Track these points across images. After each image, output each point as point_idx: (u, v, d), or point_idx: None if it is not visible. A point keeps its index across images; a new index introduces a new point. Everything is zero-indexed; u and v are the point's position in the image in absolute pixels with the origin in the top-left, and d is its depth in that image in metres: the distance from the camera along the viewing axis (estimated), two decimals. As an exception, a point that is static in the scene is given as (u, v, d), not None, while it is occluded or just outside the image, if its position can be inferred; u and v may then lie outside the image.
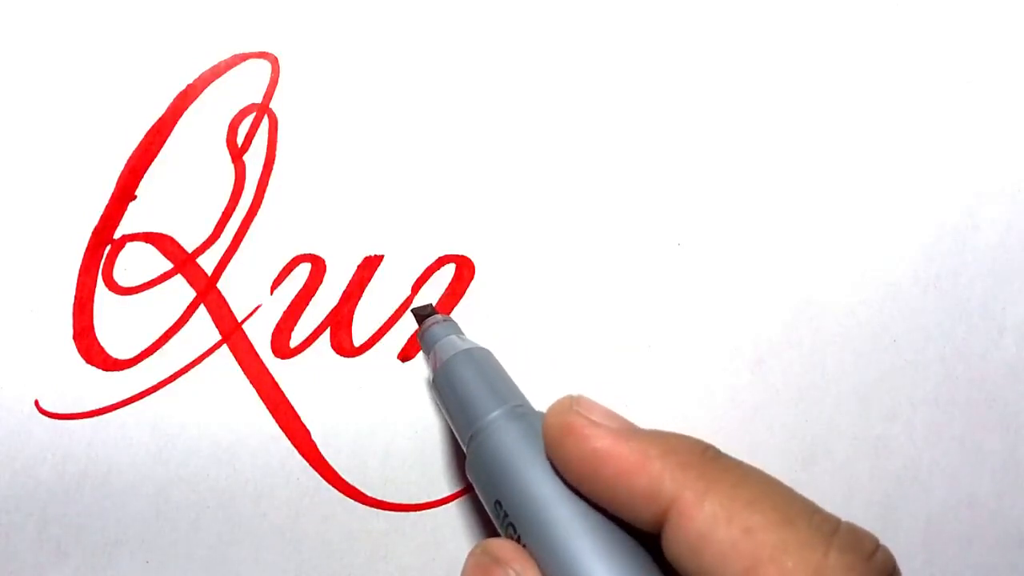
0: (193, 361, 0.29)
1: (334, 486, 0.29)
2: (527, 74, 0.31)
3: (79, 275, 0.29)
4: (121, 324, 0.29)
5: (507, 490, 0.22)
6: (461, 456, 0.30)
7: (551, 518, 0.20)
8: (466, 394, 0.25)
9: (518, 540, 0.21)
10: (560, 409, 0.21)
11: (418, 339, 0.29)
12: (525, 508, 0.21)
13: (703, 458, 0.19)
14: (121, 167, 0.29)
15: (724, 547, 0.17)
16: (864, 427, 0.31)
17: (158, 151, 0.29)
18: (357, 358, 0.30)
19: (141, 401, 0.29)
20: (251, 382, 0.29)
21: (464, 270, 0.30)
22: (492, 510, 0.23)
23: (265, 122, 0.30)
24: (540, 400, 0.30)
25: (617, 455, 0.19)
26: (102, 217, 0.29)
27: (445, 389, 0.26)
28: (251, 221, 0.30)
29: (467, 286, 0.30)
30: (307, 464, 0.29)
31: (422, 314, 0.29)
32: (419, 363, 0.30)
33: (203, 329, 0.29)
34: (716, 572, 0.17)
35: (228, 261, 0.29)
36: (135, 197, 0.29)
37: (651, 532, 0.19)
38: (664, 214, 0.31)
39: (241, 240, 0.30)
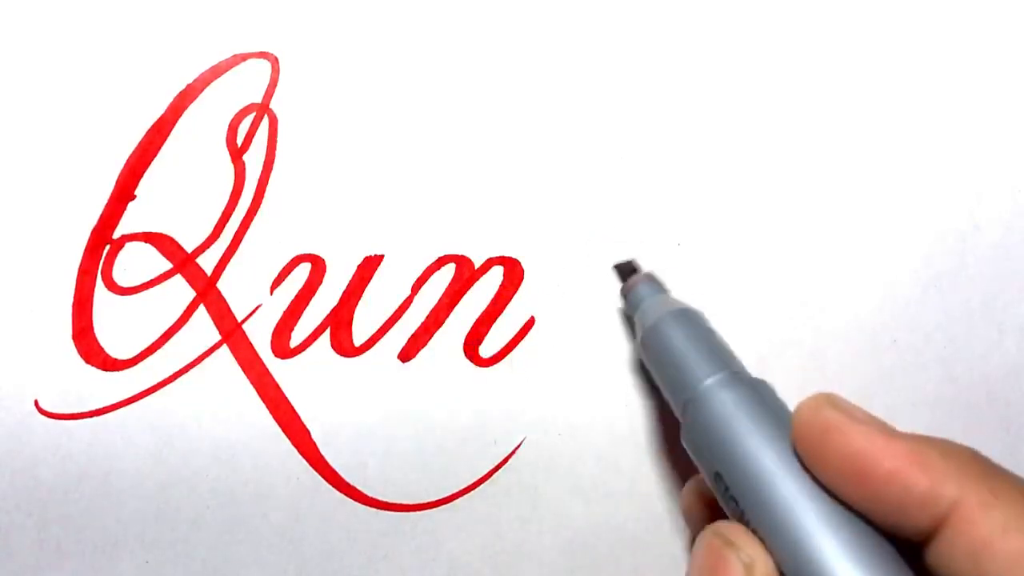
0: (193, 361, 0.29)
1: (334, 486, 0.29)
2: (527, 74, 0.31)
3: (78, 275, 0.29)
4: (121, 324, 0.29)
5: (731, 462, 0.20)
6: (461, 456, 0.30)
7: (783, 497, 0.19)
8: (680, 357, 0.23)
9: (741, 516, 0.20)
10: (815, 405, 0.20)
11: (621, 296, 0.27)
12: (753, 483, 0.19)
13: (981, 463, 0.18)
14: (121, 167, 0.29)
15: (1014, 556, 0.17)
16: (864, 427, 0.31)
17: (158, 151, 0.29)
18: (357, 358, 0.30)
19: (141, 401, 0.29)
20: (251, 382, 0.29)
21: (464, 270, 0.30)
22: (712, 482, 0.21)
23: (265, 122, 0.30)
24: (535, 399, 0.30)
25: (892, 454, 0.18)
26: (101, 217, 0.29)
27: (656, 351, 0.24)
28: (251, 221, 0.30)
29: (467, 286, 0.30)
30: (307, 464, 0.29)
31: (626, 270, 0.28)
32: (419, 363, 0.30)
33: (203, 329, 0.29)
34: None
35: (228, 261, 0.29)
36: (135, 197, 0.29)
37: (913, 538, 0.18)
38: (664, 214, 0.31)
39: (241, 240, 0.30)
